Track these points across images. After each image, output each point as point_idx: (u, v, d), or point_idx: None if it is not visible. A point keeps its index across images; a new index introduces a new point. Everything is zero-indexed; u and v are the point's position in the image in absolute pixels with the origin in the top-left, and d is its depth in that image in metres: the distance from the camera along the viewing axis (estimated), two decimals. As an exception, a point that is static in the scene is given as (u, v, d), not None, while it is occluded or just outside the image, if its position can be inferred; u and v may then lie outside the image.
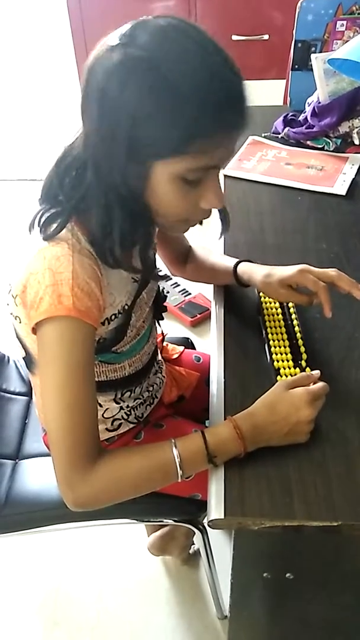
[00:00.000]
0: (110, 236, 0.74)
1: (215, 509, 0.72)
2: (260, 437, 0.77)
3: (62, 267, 0.71)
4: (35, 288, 0.72)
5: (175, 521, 1.12)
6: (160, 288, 1.02)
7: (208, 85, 0.65)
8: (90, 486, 0.73)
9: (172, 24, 0.67)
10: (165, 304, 1.04)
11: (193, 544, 1.48)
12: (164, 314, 1.05)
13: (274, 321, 0.98)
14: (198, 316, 2.21)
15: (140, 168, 0.69)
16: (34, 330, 0.74)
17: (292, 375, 0.87)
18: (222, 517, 0.71)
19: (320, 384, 0.81)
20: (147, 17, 0.68)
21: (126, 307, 0.86)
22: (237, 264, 1.02)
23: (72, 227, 0.74)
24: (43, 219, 0.74)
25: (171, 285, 2.32)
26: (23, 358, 0.89)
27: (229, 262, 1.03)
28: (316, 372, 0.83)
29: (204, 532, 1.15)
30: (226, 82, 0.67)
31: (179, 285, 2.33)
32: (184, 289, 2.32)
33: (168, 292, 1.00)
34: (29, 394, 1.28)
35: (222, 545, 1.35)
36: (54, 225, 0.73)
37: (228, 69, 0.67)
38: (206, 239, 1.14)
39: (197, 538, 1.18)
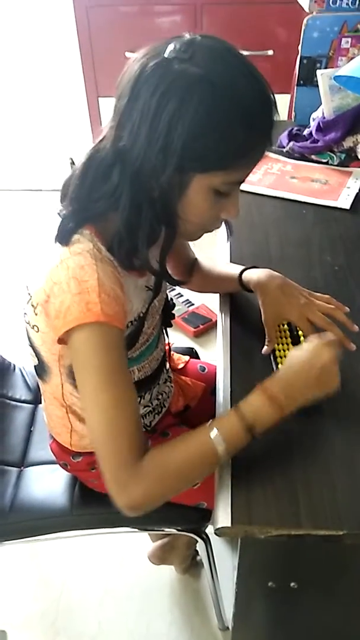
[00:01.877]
0: (136, 237, 0.76)
1: (222, 517, 0.72)
2: (293, 395, 0.77)
3: (87, 275, 0.72)
4: (60, 297, 0.73)
5: (178, 530, 1.13)
6: (168, 297, 1.03)
7: (258, 108, 0.71)
8: (142, 485, 0.74)
9: (225, 46, 0.71)
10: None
11: (197, 554, 1.48)
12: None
13: (280, 330, 0.99)
14: (201, 327, 2.22)
15: (182, 178, 0.72)
16: (61, 340, 0.75)
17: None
18: (229, 525, 0.71)
19: (329, 333, 0.85)
20: (193, 35, 0.71)
21: (141, 314, 0.88)
22: (242, 271, 1.03)
23: (92, 237, 0.76)
24: (63, 227, 0.76)
25: (175, 295, 2.33)
26: (35, 367, 0.90)
27: (234, 269, 1.05)
28: (329, 333, 0.85)
29: (207, 542, 1.15)
30: (269, 106, 0.72)
31: (182, 295, 2.35)
32: (187, 300, 2.33)
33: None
34: (34, 401, 1.29)
35: (223, 555, 1.36)
36: (73, 229, 0.75)
37: (270, 93, 0.73)
38: (211, 249, 1.16)
39: (200, 548, 1.18)
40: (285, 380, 0.78)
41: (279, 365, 0.92)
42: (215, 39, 0.72)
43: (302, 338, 0.97)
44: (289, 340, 0.97)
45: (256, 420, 0.75)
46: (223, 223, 0.91)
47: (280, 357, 0.94)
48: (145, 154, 0.70)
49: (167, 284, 0.98)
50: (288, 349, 0.96)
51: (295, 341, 0.97)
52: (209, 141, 0.69)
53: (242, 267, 1.04)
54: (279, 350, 0.96)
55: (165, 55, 0.69)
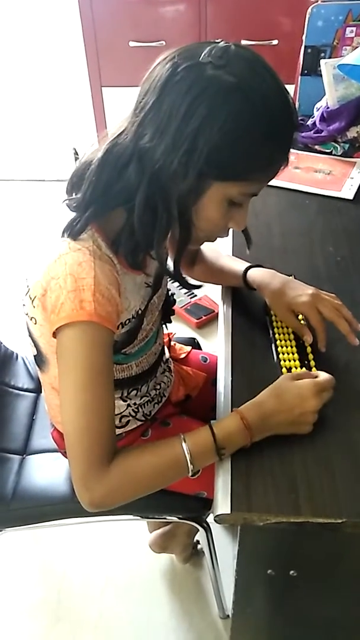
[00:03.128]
0: (147, 236, 0.76)
1: (222, 504, 0.73)
2: (265, 427, 0.79)
3: (84, 272, 0.72)
4: (56, 292, 0.73)
5: (179, 518, 1.13)
6: (169, 292, 1.03)
7: (284, 124, 0.72)
8: (106, 486, 0.75)
9: (259, 59, 0.71)
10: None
11: (197, 543, 1.49)
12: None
13: (282, 322, 0.99)
14: (204, 318, 2.22)
15: (200, 184, 0.72)
16: (54, 334, 0.75)
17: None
18: (229, 512, 0.72)
19: (327, 376, 0.82)
20: (227, 42, 0.71)
21: (139, 311, 0.88)
22: (247, 269, 1.02)
23: (92, 233, 0.76)
24: (75, 221, 0.75)
25: (177, 287, 2.32)
26: (34, 357, 0.91)
27: (239, 266, 1.04)
28: (328, 376, 0.83)
29: (207, 530, 1.16)
30: (293, 124, 0.73)
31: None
32: (190, 291, 2.33)
33: (174, 294, 1.01)
34: (37, 390, 1.29)
35: (224, 545, 1.37)
36: (79, 224, 0.75)
37: (294, 106, 0.73)
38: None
39: (201, 536, 1.19)
40: (262, 412, 0.78)
41: (281, 363, 0.92)
42: (250, 50, 0.72)
43: (303, 322, 0.96)
44: (290, 330, 0.97)
45: (226, 445, 0.78)
46: (241, 233, 0.92)
47: (282, 347, 0.94)
48: (169, 155, 0.70)
49: (167, 279, 0.98)
50: (290, 339, 0.95)
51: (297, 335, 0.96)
52: (234, 151, 0.69)
53: (247, 265, 1.03)
54: (280, 341, 0.95)
55: (200, 59, 0.68)
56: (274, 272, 1.00)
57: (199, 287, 1.03)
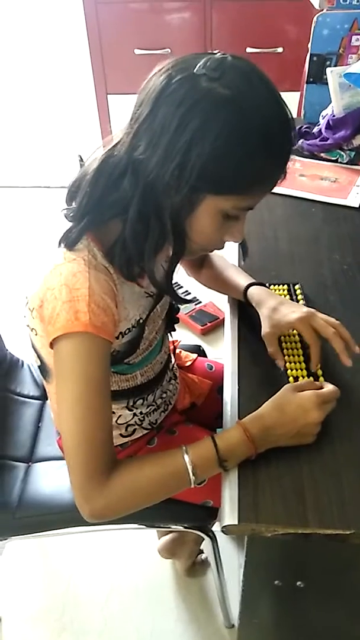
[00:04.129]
0: (140, 248, 0.75)
1: (229, 515, 0.72)
2: (269, 439, 0.78)
3: (78, 283, 0.72)
4: (52, 303, 0.73)
5: (185, 527, 1.13)
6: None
7: (280, 138, 0.71)
8: (106, 498, 0.75)
9: (255, 71, 0.70)
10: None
11: (202, 552, 1.48)
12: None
13: (290, 337, 0.98)
14: (208, 325, 2.22)
15: (194, 197, 0.71)
16: (51, 345, 0.75)
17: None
18: (236, 523, 0.72)
19: (331, 387, 0.82)
20: (224, 54, 0.70)
21: (140, 320, 0.88)
22: (248, 286, 1.01)
23: (88, 242, 0.76)
24: (70, 232, 0.75)
25: (182, 293, 2.33)
26: (38, 367, 0.91)
27: (242, 281, 1.03)
28: (332, 387, 0.82)
29: (213, 540, 1.16)
30: (290, 137, 0.72)
31: (189, 293, 2.34)
32: (195, 298, 2.33)
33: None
34: (42, 397, 1.29)
35: (230, 554, 1.36)
36: (74, 234, 0.75)
37: (291, 120, 0.72)
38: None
39: (207, 545, 1.19)
40: (265, 425, 0.78)
41: (287, 372, 0.91)
42: (246, 61, 0.71)
43: (285, 343, 0.96)
44: (297, 339, 0.96)
45: (229, 457, 0.77)
46: (239, 245, 0.91)
47: (289, 356, 0.94)
48: (161, 168, 0.69)
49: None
50: (297, 348, 0.95)
51: (304, 343, 0.96)
52: (227, 165, 0.68)
53: (249, 282, 1.02)
54: (287, 349, 0.95)
55: (195, 70, 0.68)
56: (272, 292, 0.99)
57: (190, 301, 1.02)
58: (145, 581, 1.49)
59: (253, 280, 1.02)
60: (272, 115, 0.70)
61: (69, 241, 0.75)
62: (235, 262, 1.16)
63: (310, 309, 0.91)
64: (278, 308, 0.93)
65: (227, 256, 1.17)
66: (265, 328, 0.93)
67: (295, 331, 0.97)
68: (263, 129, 0.68)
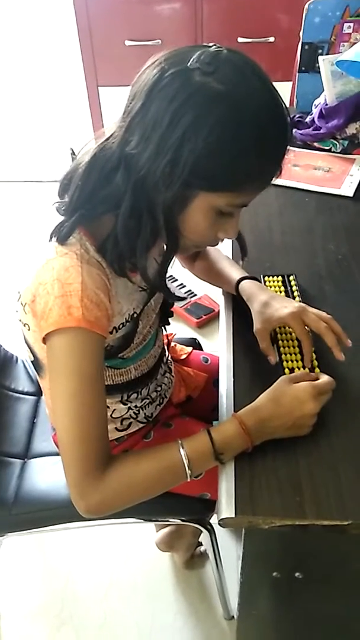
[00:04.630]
0: (132, 244, 0.74)
1: (226, 508, 0.72)
2: (265, 431, 0.78)
3: (70, 278, 0.71)
4: (44, 298, 0.72)
5: (183, 520, 1.12)
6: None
7: (274, 134, 0.69)
8: (102, 493, 0.74)
9: (251, 65, 0.68)
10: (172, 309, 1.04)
11: (200, 544, 1.48)
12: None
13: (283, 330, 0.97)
14: (204, 317, 2.21)
15: (187, 193, 0.70)
16: (44, 340, 0.74)
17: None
18: (233, 515, 0.71)
19: (326, 378, 0.82)
20: (219, 47, 0.68)
21: (134, 315, 0.87)
22: (240, 279, 1.00)
23: (80, 236, 0.75)
24: (61, 226, 0.74)
25: (177, 286, 2.32)
26: (32, 362, 0.90)
27: (235, 274, 1.02)
28: (328, 378, 0.82)
29: (211, 532, 1.15)
30: (285, 133, 0.71)
31: (185, 286, 2.34)
32: (190, 290, 2.32)
33: (173, 294, 0.99)
34: (37, 393, 1.29)
35: (228, 546, 1.36)
36: (66, 229, 0.74)
37: (288, 118, 0.71)
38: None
39: (205, 538, 1.18)
40: (261, 417, 0.78)
41: (283, 364, 0.91)
42: (242, 55, 0.69)
43: (279, 335, 0.95)
44: (295, 335, 0.96)
45: (225, 450, 0.77)
46: (238, 244, 0.90)
47: (284, 347, 0.93)
48: (152, 164, 0.68)
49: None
50: (292, 339, 0.94)
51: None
52: (220, 161, 0.67)
53: (242, 275, 1.01)
54: (282, 341, 0.94)
55: (188, 64, 0.66)
56: (264, 286, 0.98)
57: (183, 299, 1.01)
58: (144, 575, 1.49)
59: (245, 274, 1.01)
60: (266, 111, 0.68)
61: (61, 235, 0.74)
62: (230, 256, 1.15)
63: (302, 303, 0.90)
64: (269, 303, 0.92)
65: (222, 250, 1.16)
66: (256, 324, 0.92)
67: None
68: (257, 125, 0.67)
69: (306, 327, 0.88)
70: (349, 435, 0.81)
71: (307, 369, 0.89)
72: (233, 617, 1.38)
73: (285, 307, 0.90)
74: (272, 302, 0.92)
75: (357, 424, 0.82)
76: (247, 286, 0.98)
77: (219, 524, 0.73)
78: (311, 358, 0.88)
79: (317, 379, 0.82)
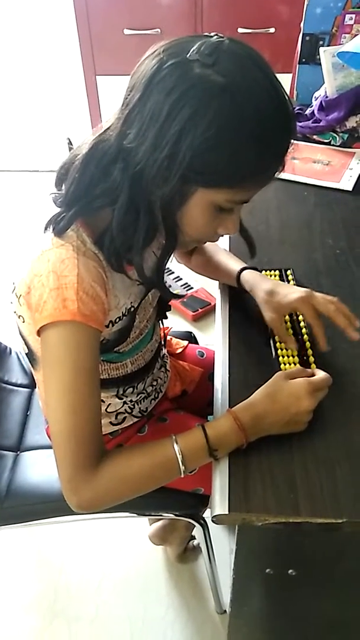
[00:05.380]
0: (129, 239, 0.73)
1: (220, 505, 0.71)
2: (260, 427, 0.77)
3: (66, 270, 0.70)
4: (39, 291, 0.71)
5: (176, 515, 1.12)
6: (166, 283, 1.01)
7: (276, 129, 0.67)
8: (94, 489, 0.74)
9: (253, 56, 0.66)
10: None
11: (193, 538, 1.48)
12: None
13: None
14: (200, 310, 2.20)
15: (185, 189, 0.68)
16: (39, 333, 0.73)
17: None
18: (226, 512, 0.70)
19: (322, 375, 0.81)
20: (221, 37, 0.66)
21: (131, 309, 0.86)
22: (241, 270, 0.99)
23: (77, 228, 0.73)
24: (58, 219, 0.73)
25: (173, 279, 2.31)
26: (26, 354, 0.89)
27: (234, 265, 1.01)
28: (324, 374, 0.81)
29: (205, 527, 1.15)
30: (288, 128, 0.68)
31: (181, 279, 2.33)
32: (186, 283, 2.31)
33: (170, 287, 0.97)
34: (30, 385, 1.28)
35: (221, 540, 1.36)
36: (63, 222, 0.72)
37: (291, 112, 0.68)
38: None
39: (198, 532, 1.18)
40: (256, 413, 0.77)
41: (279, 359, 0.90)
42: (244, 46, 0.66)
43: (302, 323, 0.95)
44: (289, 326, 0.95)
45: (219, 446, 0.76)
46: (245, 242, 0.89)
47: (280, 343, 0.92)
48: (150, 158, 0.66)
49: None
50: (288, 335, 0.93)
51: (296, 330, 0.95)
52: (219, 157, 0.65)
53: (242, 266, 1.00)
54: (280, 342, 0.93)
55: (187, 55, 0.64)
56: (265, 276, 0.98)
57: (181, 296, 1.00)
58: (136, 568, 1.49)
59: (245, 265, 1.00)
60: (268, 105, 0.65)
61: (58, 228, 0.72)
62: (227, 243, 1.14)
63: (307, 288, 0.90)
64: (275, 290, 0.91)
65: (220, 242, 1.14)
66: (268, 313, 0.91)
67: (287, 317, 0.95)
68: (258, 119, 0.64)
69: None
70: (345, 432, 0.80)
71: (307, 366, 0.88)
72: (225, 611, 1.38)
73: (292, 292, 0.89)
74: (278, 289, 0.91)
75: (353, 421, 0.81)
76: (248, 276, 0.98)
77: (213, 521, 0.72)
78: (324, 340, 0.87)
79: (313, 374, 0.82)
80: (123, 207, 0.70)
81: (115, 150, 0.70)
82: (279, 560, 0.83)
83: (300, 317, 0.96)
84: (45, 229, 0.73)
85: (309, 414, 0.78)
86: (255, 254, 0.92)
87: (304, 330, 0.94)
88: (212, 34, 0.68)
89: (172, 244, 0.76)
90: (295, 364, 0.89)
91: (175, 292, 2.25)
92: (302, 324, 0.95)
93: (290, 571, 0.82)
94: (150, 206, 0.71)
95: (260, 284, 0.94)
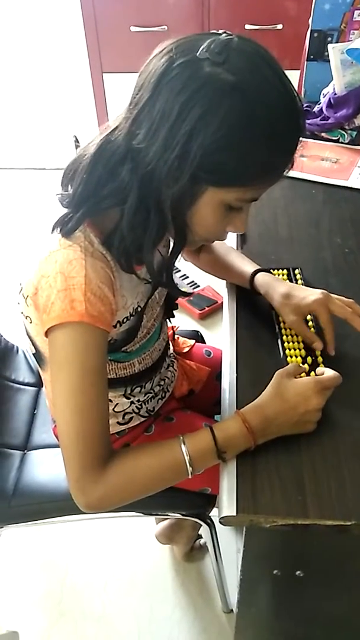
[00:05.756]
0: (139, 239, 0.72)
1: (227, 506, 0.71)
2: (269, 429, 0.76)
3: (74, 271, 0.70)
4: (47, 292, 0.71)
5: (183, 515, 1.12)
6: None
7: (286, 128, 0.67)
8: (102, 489, 0.73)
9: (262, 54, 0.66)
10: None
11: (200, 537, 1.48)
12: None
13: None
14: (206, 309, 2.19)
15: (195, 188, 0.68)
16: (46, 334, 0.73)
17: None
18: (234, 514, 0.70)
19: (332, 374, 0.80)
20: (230, 35, 0.66)
21: (139, 308, 0.85)
22: (255, 273, 0.98)
23: (84, 228, 0.73)
24: (65, 219, 0.72)
25: (180, 277, 2.31)
26: (33, 354, 0.89)
27: (248, 267, 1.00)
28: (333, 373, 0.81)
29: (211, 526, 1.15)
30: (297, 126, 0.68)
31: (187, 277, 2.32)
32: (193, 281, 2.31)
33: (177, 285, 0.97)
34: (38, 384, 1.28)
35: (228, 538, 1.35)
36: (71, 223, 0.72)
37: (301, 110, 0.68)
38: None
39: (205, 532, 1.18)
40: (265, 415, 0.76)
41: (287, 359, 0.89)
42: (253, 43, 0.66)
43: (310, 323, 0.94)
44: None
45: (228, 448, 0.75)
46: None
47: (288, 342, 0.92)
48: (160, 158, 0.65)
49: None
50: (296, 334, 0.93)
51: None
52: (230, 156, 0.65)
53: (255, 268, 0.99)
54: (287, 336, 0.93)
55: (197, 54, 0.63)
56: (278, 278, 0.97)
57: (189, 294, 1.00)
58: (143, 567, 1.49)
59: (258, 267, 1.00)
60: (278, 103, 0.65)
61: (66, 229, 0.72)
62: (234, 246, 1.13)
63: (324, 290, 0.90)
64: (291, 293, 0.91)
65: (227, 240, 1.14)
66: (290, 316, 0.90)
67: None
68: (268, 118, 0.64)
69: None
70: (353, 433, 0.79)
71: (306, 365, 0.87)
72: (232, 610, 1.38)
73: (310, 295, 0.89)
74: (294, 292, 0.91)
75: (362, 421, 0.81)
76: (262, 279, 0.97)
77: (220, 522, 0.72)
78: (334, 343, 0.88)
79: (307, 370, 0.81)
80: (133, 207, 0.70)
81: (124, 150, 0.69)
82: (287, 561, 0.82)
83: (309, 317, 0.95)
84: (53, 229, 0.73)
85: (317, 413, 0.77)
86: (245, 243, 0.92)
87: (312, 330, 0.93)
88: (220, 31, 0.67)
89: (182, 243, 0.76)
90: (303, 363, 0.88)
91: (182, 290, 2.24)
92: (310, 323, 0.94)
93: (298, 572, 0.81)
94: (160, 205, 0.70)
95: (276, 287, 0.93)
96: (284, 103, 0.66)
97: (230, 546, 1.33)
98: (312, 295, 0.89)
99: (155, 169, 0.67)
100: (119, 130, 0.70)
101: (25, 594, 1.45)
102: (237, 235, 0.91)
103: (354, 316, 0.87)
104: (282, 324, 0.95)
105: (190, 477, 0.76)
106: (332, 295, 0.89)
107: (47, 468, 1.11)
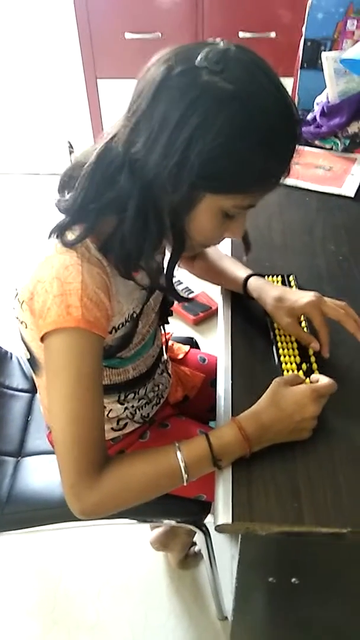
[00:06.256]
0: (138, 246, 0.73)
1: (223, 514, 0.71)
2: (265, 437, 0.76)
3: (70, 277, 0.70)
4: (42, 297, 0.71)
5: (178, 522, 1.11)
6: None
7: (283, 136, 0.68)
8: (97, 495, 0.73)
9: (259, 63, 0.66)
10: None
11: (194, 544, 1.47)
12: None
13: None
14: (201, 315, 2.20)
15: (194, 196, 0.69)
16: (42, 339, 0.73)
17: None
18: (230, 522, 0.70)
19: (327, 381, 0.80)
20: (228, 44, 0.66)
21: (134, 314, 0.85)
22: (247, 277, 0.99)
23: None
24: (63, 227, 0.73)
25: (174, 283, 2.31)
26: (28, 360, 0.88)
27: (240, 272, 1.01)
28: (328, 380, 0.81)
29: (206, 533, 1.14)
30: (294, 134, 0.69)
31: (182, 283, 2.32)
32: (187, 287, 2.31)
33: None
34: (31, 390, 1.27)
35: (223, 546, 1.35)
36: (75, 232, 0.72)
37: (297, 118, 0.69)
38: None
39: (200, 539, 1.17)
40: (261, 423, 0.76)
41: (282, 365, 0.90)
42: (250, 53, 0.67)
43: (303, 323, 0.94)
44: (293, 337, 0.95)
45: (223, 455, 0.76)
46: (238, 239, 0.89)
47: (283, 349, 0.92)
48: (159, 166, 0.66)
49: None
50: (291, 341, 0.93)
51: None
52: (228, 163, 0.65)
53: (248, 273, 1.00)
54: (281, 343, 0.93)
55: (196, 63, 0.64)
56: (270, 282, 0.98)
57: (189, 300, 1.00)
58: (137, 574, 1.48)
59: (251, 272, 1.00)
60: (275, 112, 0.66)
61: (66, 241, 0.72)
62: (228, 253, 1.14)
63: (316, 292, 0.90)
64: (283, 297, 0.92)
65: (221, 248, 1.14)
66: (282, 319, 0.91)
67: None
68: (266, 126, 0.65)
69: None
70: (349, 440, 0.79)
71: (301, 372, 0.87)
72: (226, 617, 1.38)
73: (302, 297, 0.90)
74: (287, 295, 0.92)
75: (357, 428, 0.81)
76: (255, 283, 0.98)
77: (216, 530, 0.72)
78: (328, 346, 0.88)
79: (305, 381, 0.82)
80: (132, 214, 0.70)
81: (123, 159, 0.69)
82: (282, 569, 0.82)
83: (304, 324, 0.96)
84: (50, 235, 0.73)
85: (313, 421, 0.77)
86: (249, 252, 0.93)
87: (303, 324, 0.93)
88: (217, 40, 0.68)
89: (180, 249, 0.76)
90: (299, 369, 0.88)
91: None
92: (303, 324, 0.94)
93: (293, 580, 0.81)
94: (159, 212, 0.71)
95: (268, 291, 0.94)
96: (281, 111, 0.67)
97: (225, 553, 1.32)
98: (304, 297, 0.90)
99: (154, 177, 0.67)
100: (118, 138, 0.71)
101: (18, 602, 1.44)
102: (242, 243, 0.92)
103: (347, 318, 0.87)
104: (276, 331, 0.95)
105: (185, 484, 0.76)
106: (326, 297, 0.90)
107: (41, 475, 1.11)
